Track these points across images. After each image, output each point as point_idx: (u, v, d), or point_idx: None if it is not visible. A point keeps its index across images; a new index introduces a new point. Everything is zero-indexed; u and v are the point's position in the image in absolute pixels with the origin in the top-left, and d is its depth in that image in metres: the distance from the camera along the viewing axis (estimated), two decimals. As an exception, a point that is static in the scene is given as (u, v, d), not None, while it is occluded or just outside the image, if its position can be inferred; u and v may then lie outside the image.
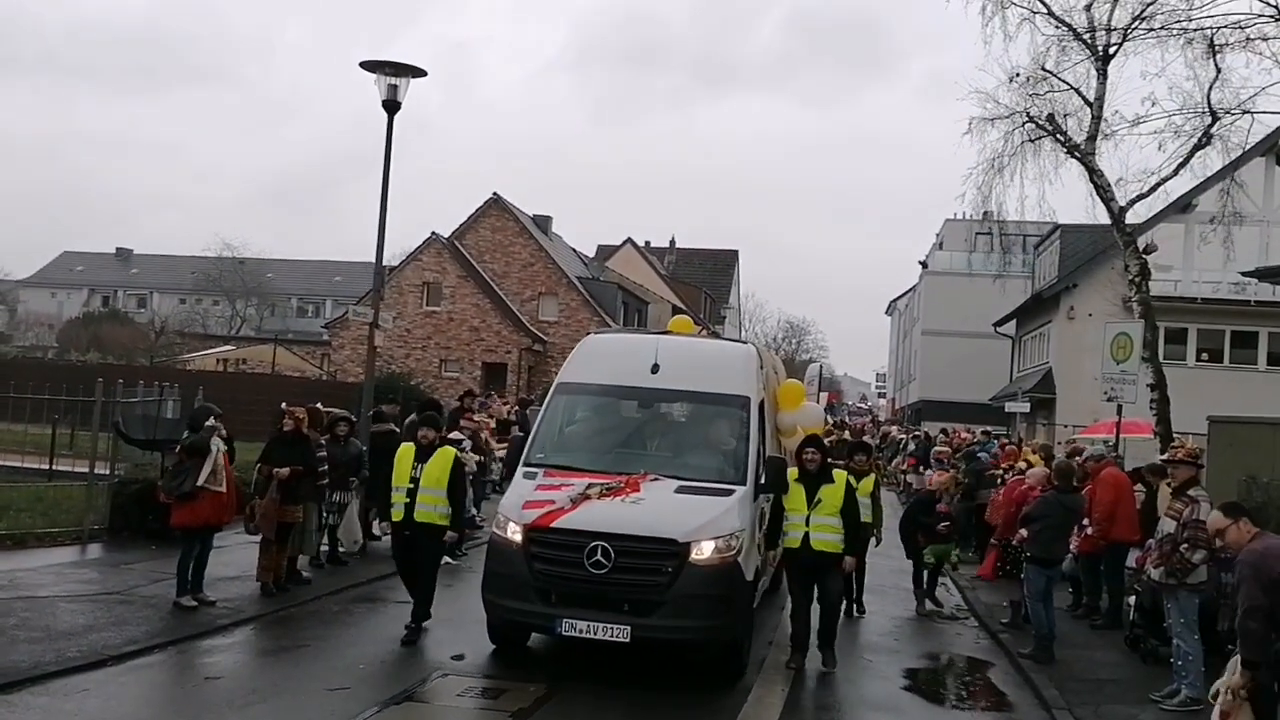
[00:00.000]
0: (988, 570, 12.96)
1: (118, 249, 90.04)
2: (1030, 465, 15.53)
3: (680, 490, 9.20)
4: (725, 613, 8.71)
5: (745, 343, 12.09)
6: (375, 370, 17.84)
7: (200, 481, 10.37)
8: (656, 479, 9.30)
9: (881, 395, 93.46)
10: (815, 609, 9.97)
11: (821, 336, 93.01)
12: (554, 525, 8.75)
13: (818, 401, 18.53)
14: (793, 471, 9.84)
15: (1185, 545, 8.91)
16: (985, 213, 23.79)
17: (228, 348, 52.51)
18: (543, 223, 52.06)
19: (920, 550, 13.32)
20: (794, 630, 9.90)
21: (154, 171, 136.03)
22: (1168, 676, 9.45)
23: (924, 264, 60.45)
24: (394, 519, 10.00)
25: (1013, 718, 9.18)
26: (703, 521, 8.79)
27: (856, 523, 10.05)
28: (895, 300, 76.46)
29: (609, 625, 8.46)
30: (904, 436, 35.86)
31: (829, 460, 10.05)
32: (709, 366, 10.59)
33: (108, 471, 14.54)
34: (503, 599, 8.94)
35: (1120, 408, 15.74)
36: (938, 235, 63.66)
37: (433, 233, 46.65)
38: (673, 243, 77.76)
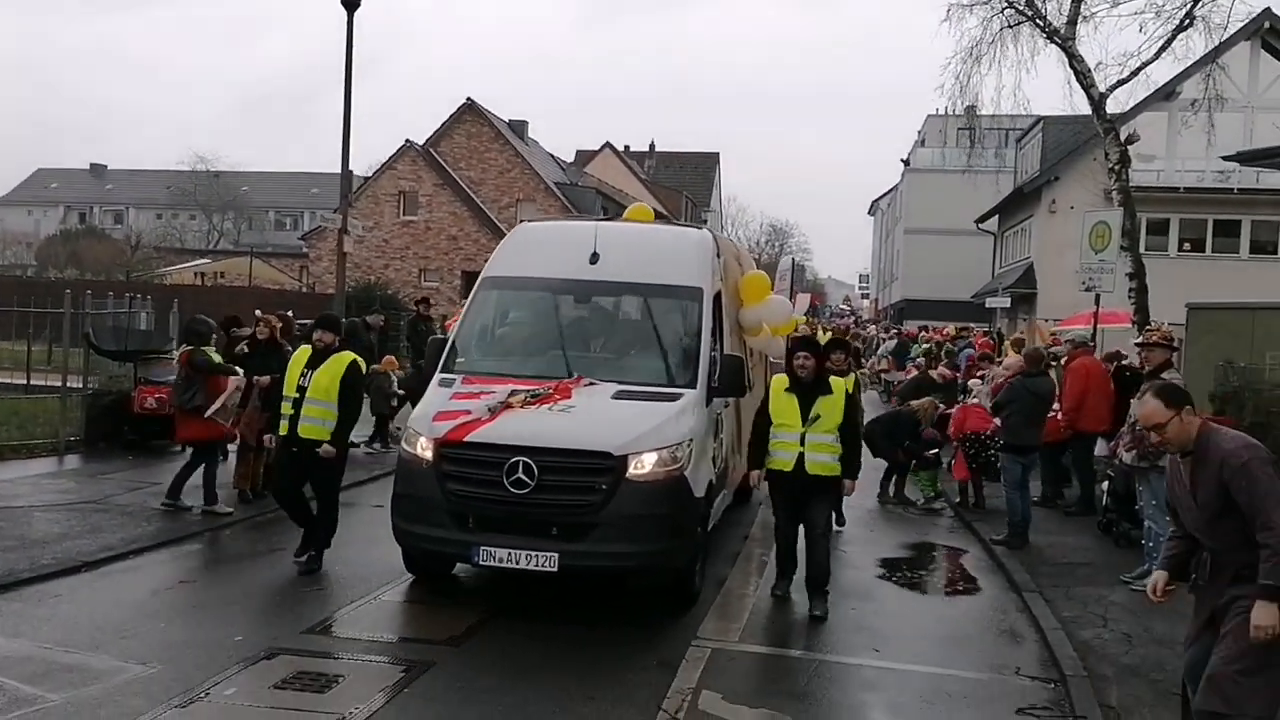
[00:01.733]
0: (961, 471, 13.07)
1: (92, 165, 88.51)
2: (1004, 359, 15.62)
3: (619, 396, 8.15)
4: (670, 535, 7.65)
5: (699, 227, 10.60)
6: (353, 281, 17.69)
7: (209, 414, 10.72)
8: (592, 384, 8.27)
9: (865, 297, 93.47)
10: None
11: (805, 239, 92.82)
12: (468, 439, 7.64)
13: (792, 299, 17.13)
14: (781, 379, 8.47)
15: (1157, 428, 8.89)
16: (968, 108, 23.45)
17: (204, 261, 52.11)
18: (519, 128, 51.27)
19: (898, 462, 13.45)
20: (778, 555, 8.73)
21: (128, 87, 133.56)
22: (1140, 559, 9.55)
23: (906, 162, 59.94)
24: (280, 433, 8.89)
25: (983, 600, 9.28)
26: (642, 431, 7.71)
27: (859, 440, 8.73)
28: (878, 200, 76.04)
29: (534, 553, 7.40)
30: (882, 336, 35.84)
31: (823, 366, 8.48)
32: (656, 255, 9.42)
33: (81, 385, 14.47)
34: (412, 525, 7.85)
35: (1098, 297, 15.68)
36: (919, 132, 63.04)
37: (407, 140, 45.94)
38: (652, 146, 76.92)
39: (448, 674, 6.61)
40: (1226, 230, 31.17)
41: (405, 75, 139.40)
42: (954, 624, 8.54)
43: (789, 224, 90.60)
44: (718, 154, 79.96)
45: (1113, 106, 17.89)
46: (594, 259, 9.07)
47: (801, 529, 8.48)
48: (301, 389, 8.66)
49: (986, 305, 34.01)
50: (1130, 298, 15.68)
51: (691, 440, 7.90)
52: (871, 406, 15.77)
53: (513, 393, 7.99)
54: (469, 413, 7.85)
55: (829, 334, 37.74)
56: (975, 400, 14.71)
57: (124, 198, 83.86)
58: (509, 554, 7.42)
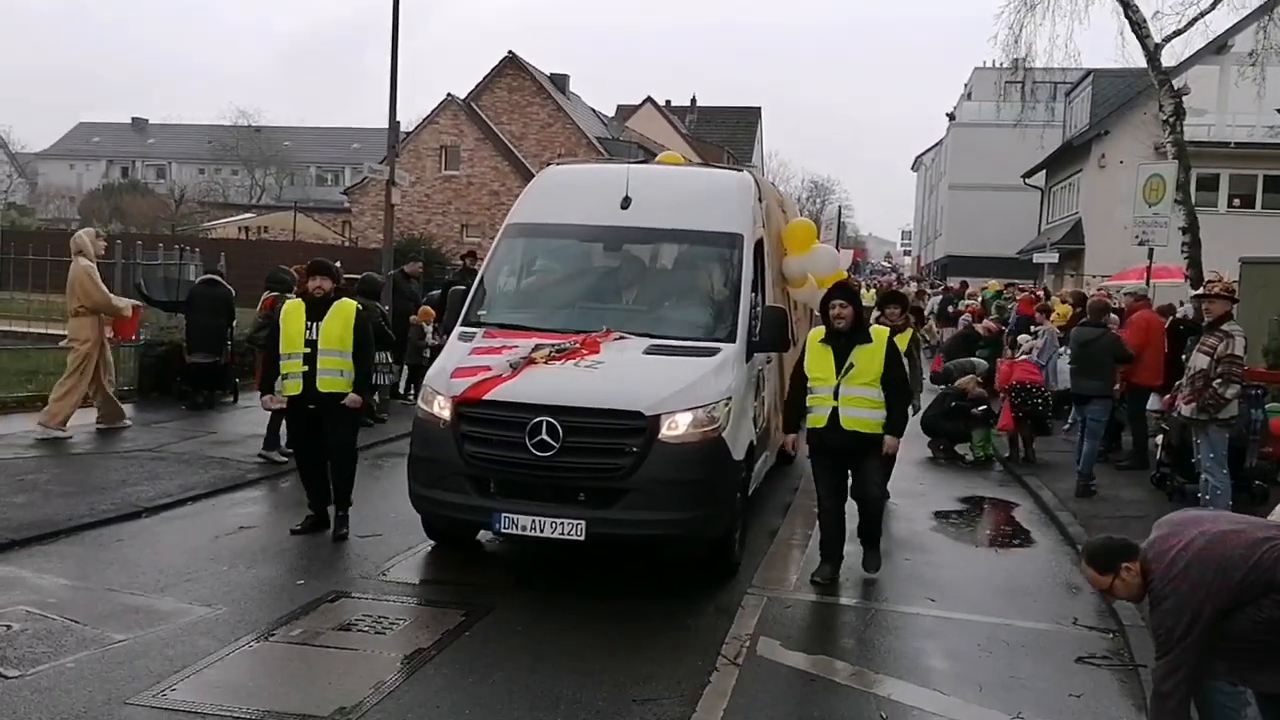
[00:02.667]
0: (1007, 422, 12.97)
1: (133, 119, 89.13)
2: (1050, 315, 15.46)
3: (651, 351, 7.58)
4: (706, 501, 7.08)
5: (739, 169, 9.80)
6: (397, 236, 17.71)
7: None
8: (622, 338, 7.69)
9: (907, 254, 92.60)
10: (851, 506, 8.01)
11: (846, 196, 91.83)
12: (487, 397, 7.09)
13: (838, 250, 16.37)
14: (817, 331, 7.74)
15: (1219, 380, 8.79)
16: (1015, 60, 22.99)
17: (248, 216, 52.44)
18: (560, 82, 50.96)
19: (954, 439, 13.36)
20: (823, 533, 7.83)
21: (172, 40, 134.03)
22: (1194, 513, 9.44)
23: (951, 116, 59.04)
24: (290, 392, 8.30)
25: (1037, 552, 9.24)
26: (677, 389, 7.14)
27: (904, 394, 7.82)
28: (921, 155, 75.04)
29: (559, 520, 6.86)
30: (927, 291, 35.39)
31: (861, 314, 7.70)
32: (692, 199, 8.79)
33: (134, 336, 14.64)
34: (429, 490, 7.34)
35: (1151, 252, 15.41)
36: (966, 85, 62.01)
37: (448, 94, 45.80)
38: (694, 101, 76.07)
39: (507, 618, 6.67)
40: (1277, 186, 30.52)
41: (447, 29, 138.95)
42: (1009, 575, 8.51)
43: (830, 180, 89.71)
44: (759, 109, 78.96)
45: (1167, 59, 17.50)
46: (625, 204, 8.51)
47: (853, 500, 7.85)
48: (311, 343, 8.17)
49: (1034, 261, 33.53)
50: (1183, 252, 15.40)
51: (730, 399, 7.34)
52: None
53: (536, 347, 7.46)
54: (489, 369, 7.31)
55: (872, 291, 37.44)
56: (1025, 356, 14.59)
57: (166, 152, 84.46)
58: (533, 521, 6.90)
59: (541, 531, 6.91)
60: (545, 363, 7.32)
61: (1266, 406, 9.77)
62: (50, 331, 17.42)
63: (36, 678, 5.38)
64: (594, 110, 56.09)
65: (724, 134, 72.21)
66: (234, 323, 14.19)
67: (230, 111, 78.10)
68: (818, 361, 7.58)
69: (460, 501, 7.16)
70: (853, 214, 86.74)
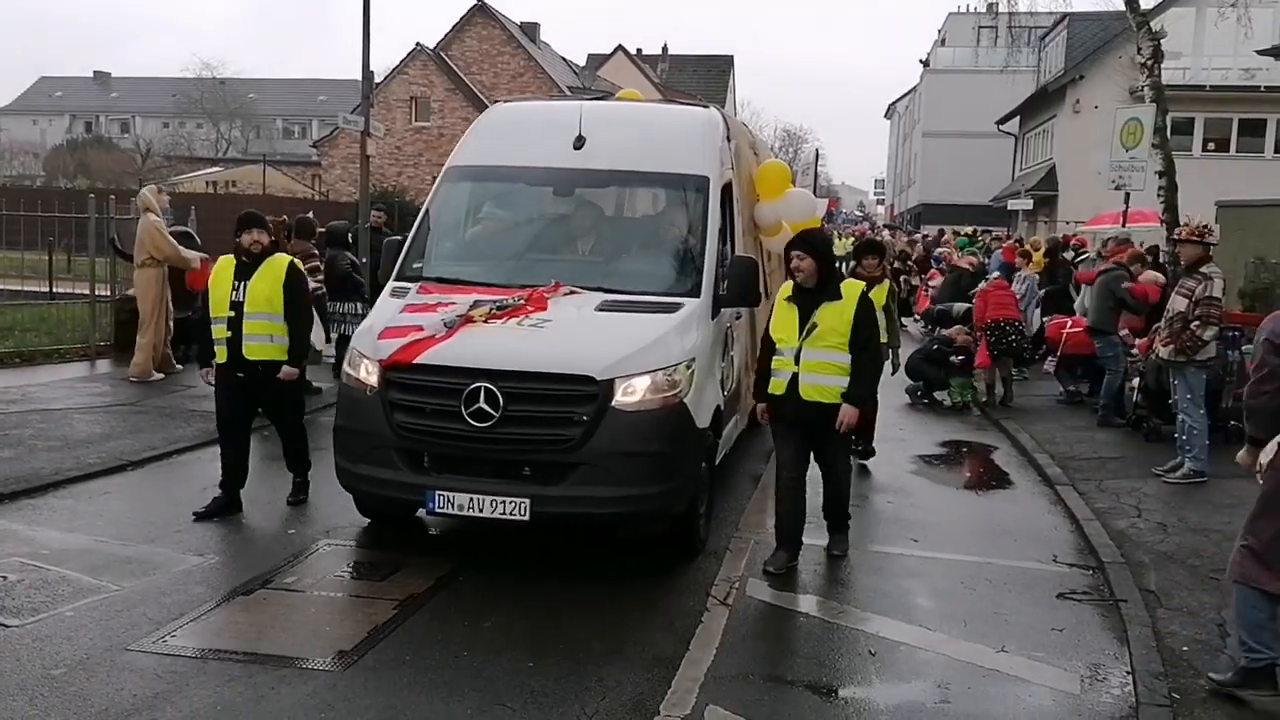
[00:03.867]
0: (984, 360, 13.11)
1: (95, 73, 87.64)
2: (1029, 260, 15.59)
3: (605, 307, 6.84)
4: (666, 475, 6.32)
5: (706, 106, 8.78)
6: (368, 188, 17.52)
7: None
8: (573, 293, 6.94)
9: (880, 202, 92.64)
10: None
11: (820, 145, 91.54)
12: (417, 360, 6.35)
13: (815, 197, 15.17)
14: (785, 287, 6.89)
15: (1197, 322, 8.90)
16: (989, 4, 22.88)
17: (215, 170, 51.84)
18: (530, 30, 50.39)
19: (934, 385, 13.47)
20: (777, 513, 6.95)
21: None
22: (1170, 454, 9.63)
23: (925, 63, 58.85)
24: (218, 360, 7.53)
25: (1017, 493, 9.39)
26: (632, 350, 6.39)
27: (874, 359, 7.02)
28: (894, 103, 74.83)
29: (500, 498, 6.13)
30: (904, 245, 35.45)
31: (831, 268, 6.84)
32: (653, 138, 8.01)
33: (108, 291, 14.52)
34: (356, 465, 6.54)
35: (1128, 196, 15.52)
36: (940, 31, 61.72)
37: (417, 43, 45.24)
38: (665, 49, 75.36)
39: (499, 565, 6.76)
40: (1252, 129, 30.77)
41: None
42: (989, 516, 8.65)
43: (804, 129, 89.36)
44: (732, 57, 78.46)
45: (1144, 2, 17.46)
46: (579, 143, 7.74)
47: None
48: (236, 305, 7.34)
49: (1009, 208, 33.66)
50: (1159, 196, 15.49)
51: (693, 360, 6.61)
52: (909, 341, 15.27)
53: (475, 304, 6.71)
54: (421, 329, 6.56)
55: (848, 240, 37.39)
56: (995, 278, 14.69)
57: (129, 106, 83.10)
58: (470, 500, 6.16)
59: (480, 511, 6.16)
60: (484, 321, 6.59)
61: (1244, 349, 9.91)
62: (25, 288, 17.31)
63: (37, 626, 5.42)
64: (565, 59, 55.53)
65: (696, 82, 71.62)
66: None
67: (194, 64, 76.94)
68: (782, 321, 6.76)
69: (390, 478, 6.40)
70: (826, 163, 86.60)
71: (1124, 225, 15.70)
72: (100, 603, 5.78)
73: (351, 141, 25.21)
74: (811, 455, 6.97)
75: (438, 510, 6.29)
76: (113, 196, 15.20)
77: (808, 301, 6.65)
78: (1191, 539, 7.67)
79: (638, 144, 7.93)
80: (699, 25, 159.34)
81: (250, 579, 6.26)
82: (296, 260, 7.70)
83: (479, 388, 6.14)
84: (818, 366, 6.61)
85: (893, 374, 9.77)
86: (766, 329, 6.94)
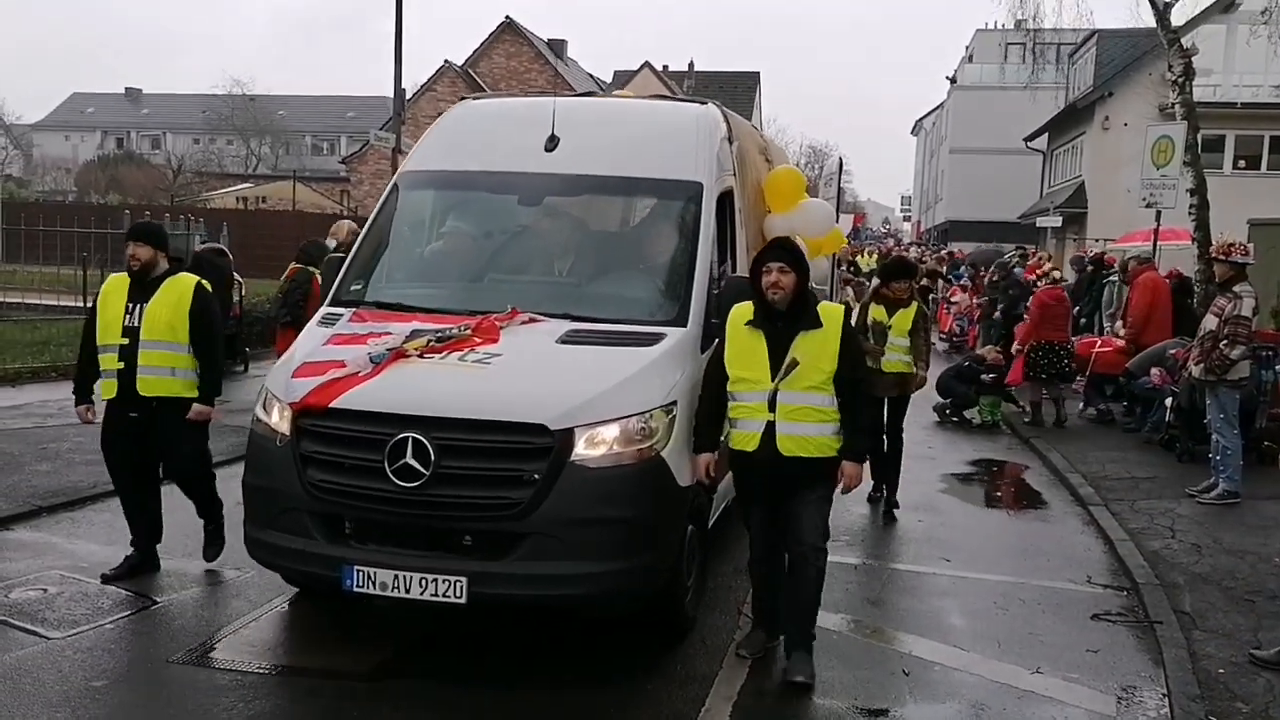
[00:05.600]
0: (1017, 376, 13.05)
1: (127, 89, 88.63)
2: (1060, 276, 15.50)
3: (569, 339, 5.67)
4: (638, 546, 5.17)
5: (703, 102, 7.46)
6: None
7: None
8: (532, 320, 5.81)
9: (906, 219, 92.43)
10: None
11: (846, 161, 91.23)
12: (334, 404, 5.22)
13: (836, 211, 13.50)
14: (740, 310, 5.41)
15: (1225, 341, 8.86)
16: (1018, 21, 22.83)
17: (246, 185, 52.39)
18: (558, 47, 50.77)
19: (963, 404, 13.38)
20: (754, 590, 5.91)
21: (166, 7, 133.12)
22: (1203, 474, 9.56)
23: (952, 79, 58.74)
24: (105, 395, 6.39)
25: (1049, 513, 9.34)
26: (597, 391, 5.26)
27: (866, 400, 5.66)
28: (921, 119, 74.73)
29: (431, 576, 4.98)
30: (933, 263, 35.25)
31: (809, 290, 5.47)
32: (637, 138, 6.85)
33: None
34: (263, 531, 5.40)
35: (1159, 214, 15.45)
36: (967, 48, 61.67)
37: (445, 61, 45.57)
38: (691, 66, 75.47)
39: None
40: (1284, 147, 30.52)
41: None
42: (1021, 535, 8.63)
43: (829, 145, 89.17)
44: (758, 74, 78.28)
45: (1176, 18, 17.40)
46: (551, 145, 6.62)
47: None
48: (130, 331, 6.24)
49: (1037, 225, 33.54)
50: (1191, 214, 15.40)
51: (674, 404, 5.41)
52: (938, 360, 14.99)
53: (413, 334, 5.60)
54: (343, 364, 5.42)
55: (874, 258, 37.25)
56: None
57: (160, 122, 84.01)
58: (394, 578, 5.00)
59: (407, 591, 4.98)
60: (420, 356, 5.45)
61: (1277, 368, 9.84)
62: (60, 303, 17.54)
63: (78, 638, 5.50)
64: (591, 76, 55.83)
65: (722, 99, 70.44)
66: (243, 293, 14.27)
67: (224, 81, 77.82)
68: (744, 354, 5.33)
69: (301, 548, 5.23)
70: (851, 179, 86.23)
71: (1156, 243, 15.61)
72: (141, 616, 5.87)
73: (381, 157, 25.50)
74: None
75: (356, 589, 5.05)
76: (147, 213, 15.43)
77: (780, 330, 5.27)
78: (1226, 560, 7.61)
79: (619, 145, 6.78)
80: (726, 43, 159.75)
81: (286, 593, 6.29)
82: (204, 282, 6.53)
83: (405, 438, 4.99)
84: (799, 413, 5.23)
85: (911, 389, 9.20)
86: (715, 362, 5.47)
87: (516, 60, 47.18)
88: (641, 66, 66.13)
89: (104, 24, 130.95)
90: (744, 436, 5.34)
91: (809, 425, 5.26)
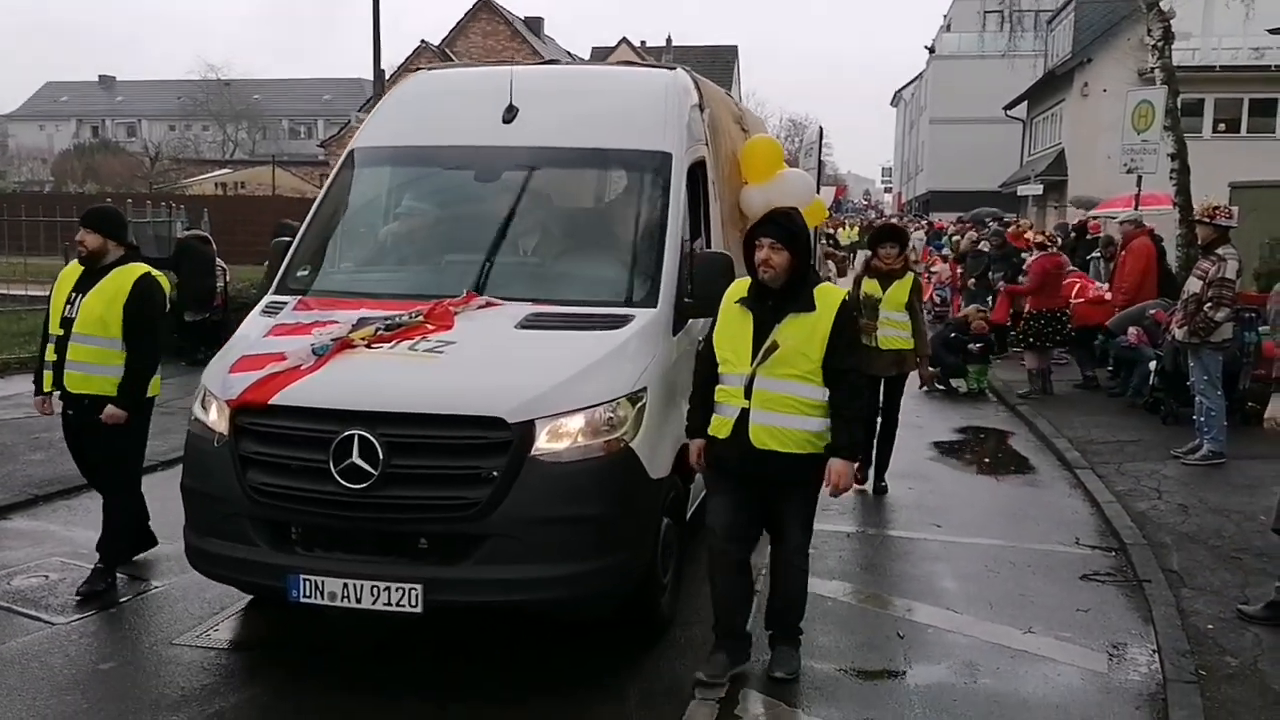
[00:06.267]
0: (1001, 314, 13.46)
1: (100, 76, 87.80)
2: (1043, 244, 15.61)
3: (529, 323, 5.33)
4: (607, 545, 4.84)
5: (671, 68, 7.08)
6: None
7: None
8: (490, 304, 5.50)
9: (887, 190, 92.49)
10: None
11: (826, 134, 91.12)
12: (273, 401, 4.88)
13: (817, 184, 12.69)
14: (736, 286, 5.09)
15: (1209, 304, 8.95)
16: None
17: (225, 171, 52.09)
18: (534, 24, 50.59)
19: (951, 373, 13.43)
20: (713, 596, 5.14)
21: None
22: (1188, 436, 9.68)
23: (931, 49, 58.71)
24: (47, 388, 6.16)
25: (1037, 478, 9.45)
26: (560, 379, 4.94)
27: (857, 392, 5.00)
28: (900, 90, 74.68)
29: (383, 584, 4.65)
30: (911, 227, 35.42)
31: (806, 265, 4.98)
32: (601, 108, 6.46)
33: (127, 293, 14.66)
34: (203, 539, 5.09)
35: (1140, 179, 15.54)
36: (945, 16, 61.60)
37: (422, 40, 45.28)
38: (669, 41, 75.22)
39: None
40: (1263, 110, 30.65)
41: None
42: (1010, 500, 8.73)
43: (809, 118, 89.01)
44: (736, 47, 78.24)
45: (1153, -18, 17.42)
46: (509, 116, 6.26)
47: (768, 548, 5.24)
48: (66, 322, 5.94)
49: (1018, 194, 33.65)
50: (1172, 179, 15.49)
51: (643, 390, 5.07)
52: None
53: (360, 322, 5.24)
54: (283, 357, 5.05)
55: (855, 230, 37.22)
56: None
57: (135, 109, 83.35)
58: (344, 586, 4.68)
59: (358, 601, 4.68)
60: (367, 346, 5.10)
61: (1260, 329, 9.95)
62: (44, 294, 17.44)
63: (83, 623, 5.57)
64: (569, 53, 55.53)
65: (701, 73, 71.29)
66: (228, 279, 14.25)
67: (199, 66, 77.19)
68: (731, 334, 4.96)
69: (244, 557, 4.90)
70: (832, 152, 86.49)
71: (1137, 209, 15.69)
72: (142, 599, 5.93)
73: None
74: (760, 525, 5.12)
75: (303, 600, 4.73)
76: (129, 200, 15.36)
77: (769, 310, 4.86)
78: (1212, 519, 7.73)
79: (581, 115, 6.38)
80: (703, 18, 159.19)
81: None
82: (155, 273, 6.17)
83: (351, 436, 4.66)
84: (776, 402, 4.80)
85: (922, 388, 8.41)
86: (707, 340, 5.15)
87: (493, 39, 46.94)
88: (619, 42, 65.97)
89: (75, 12, 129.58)
90: (719, 423, 4.95)
91: (786, 416, 4.79)
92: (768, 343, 4.79)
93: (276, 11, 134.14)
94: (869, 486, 8.57)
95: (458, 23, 47.03)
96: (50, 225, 15.76)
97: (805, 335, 4.78)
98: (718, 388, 4.96)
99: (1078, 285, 13.42)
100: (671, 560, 5.57)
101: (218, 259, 14.26)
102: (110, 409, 5.92)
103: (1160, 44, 15.70)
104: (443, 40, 46.20)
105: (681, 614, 5.70)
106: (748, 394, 4.80)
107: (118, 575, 6.18)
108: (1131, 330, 11.57)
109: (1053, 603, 6.27)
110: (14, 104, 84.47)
